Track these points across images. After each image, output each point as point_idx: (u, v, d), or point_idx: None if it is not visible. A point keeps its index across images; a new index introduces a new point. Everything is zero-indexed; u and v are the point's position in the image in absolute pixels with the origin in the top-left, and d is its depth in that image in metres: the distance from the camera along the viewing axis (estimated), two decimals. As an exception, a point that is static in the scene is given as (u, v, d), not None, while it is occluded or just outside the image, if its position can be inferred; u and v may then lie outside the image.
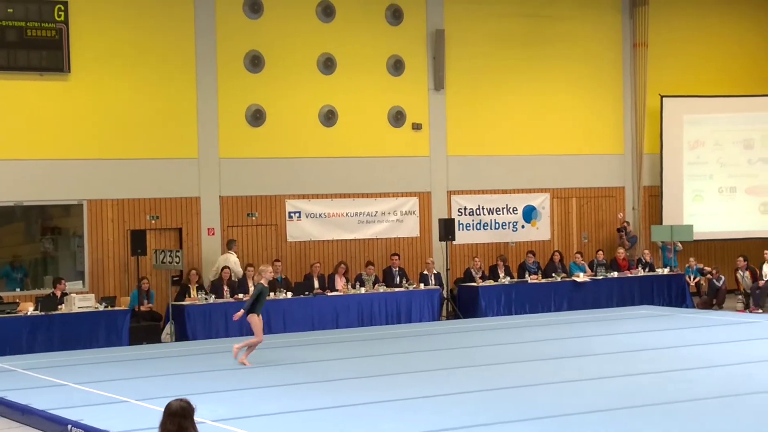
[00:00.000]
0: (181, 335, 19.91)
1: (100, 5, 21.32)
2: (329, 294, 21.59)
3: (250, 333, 16.60)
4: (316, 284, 21.83)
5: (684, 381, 14.11)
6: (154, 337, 19.97)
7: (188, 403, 6.95)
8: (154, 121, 21.76)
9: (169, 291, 20.80)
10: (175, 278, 21.40)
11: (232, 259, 21.90)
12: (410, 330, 20.65)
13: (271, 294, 21.03)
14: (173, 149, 21.93)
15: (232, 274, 21.41)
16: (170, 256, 20.01)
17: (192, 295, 20.62)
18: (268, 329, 20.50)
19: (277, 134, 22.92)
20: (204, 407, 10.37)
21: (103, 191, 21.35)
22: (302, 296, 21.27)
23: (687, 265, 25.24)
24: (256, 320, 16.13)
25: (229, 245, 22.10)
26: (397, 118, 24.12)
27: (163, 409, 6.99)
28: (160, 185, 21.81)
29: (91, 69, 21.20)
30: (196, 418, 7.00)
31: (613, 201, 26.62)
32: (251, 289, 21.02)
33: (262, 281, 16.27)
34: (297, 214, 23.15)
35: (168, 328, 20.10)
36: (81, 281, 21.12)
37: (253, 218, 22.70)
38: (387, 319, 21.76)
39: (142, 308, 20.45)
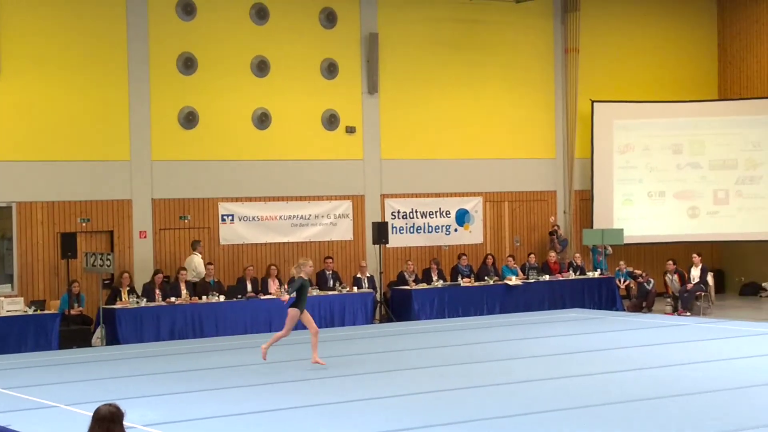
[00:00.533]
0: (111, 339, 19.72)
1: (32, 5, 21.05)
2: (262, 297, 21.53)
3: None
4: (249, 287, 21.76)
5: (614, 383, 14.27)
6: (84, 341, 19.73)
7: (117, 408, 6.91)
8: (86, 123, 21.54)
9: (99, 294, 20.59)
10: (106, 281, 21.20)
11: (196, 260, 21.92)
12: (343, 333, 20.66)
13: (203, 297, 20.96)
14: (105, 151, 21.72)
15: (195, 274, 21.52)
16: (101, 259, 19.83)
17: (123, 299, 20.44)
18: (200, 333, 20.43)
19: (210, 137, 22.79)
20: (134, 412, 10.32)
21: (33, 193, 21.08)
22: (235, 299, 21.19)
23: (617, 268, 25.53)
24: (292, 314, 15.84)
25: (193, 246, 22.12)
26: (331, 121, 24.11)
27: (92, 414, 6.93)
28: (91, 187, 21.58)
29: (21, 69, 20.92)
30: (126, 422, 6.96)
31: (545, 205, 26.84)
32: (183, 292, 20.89)
33: (302, 275, 15.97)
34: (230, 217, 23.05)
35: (99, 332, 19.88)
36: (9, 284, 20.82)
37: (186, 221, 22.55)
38: (320, 322, 21.60)
39: (73, 312, 20.21)
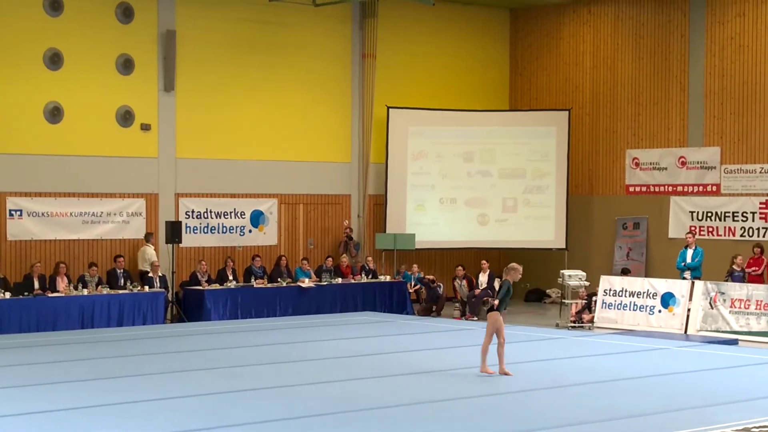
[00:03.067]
0: None
1: None
2: (50, 295, 21.03)
3: None
4: (37, 285, 21.21)
5: (402, 385, 14.57)
6: None
7: None
8: None
9: None
10: None
11: (149, 251, 22.57)
12: (133, 333, 20.38)
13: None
14: None
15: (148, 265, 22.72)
16: None
17: None
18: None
19: (-1, 129, 22.16)
20: None
21: None
22: (21, 297, 20.62)
23: (409, 272, 25.99)
24: (496, 317, 15.16)
25: (146, 238, 22.86)
26: (126, 117, 23.74)
27: None
28: None
29: None
30: None
31: (340, 208, 27.11)
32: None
33: (509, 278, 15.38)
34: (18, 213, 22.42)
35: None
36: None
37: (-30, 215, 21.83)
38: (109, 321, 21.38)
39: None
